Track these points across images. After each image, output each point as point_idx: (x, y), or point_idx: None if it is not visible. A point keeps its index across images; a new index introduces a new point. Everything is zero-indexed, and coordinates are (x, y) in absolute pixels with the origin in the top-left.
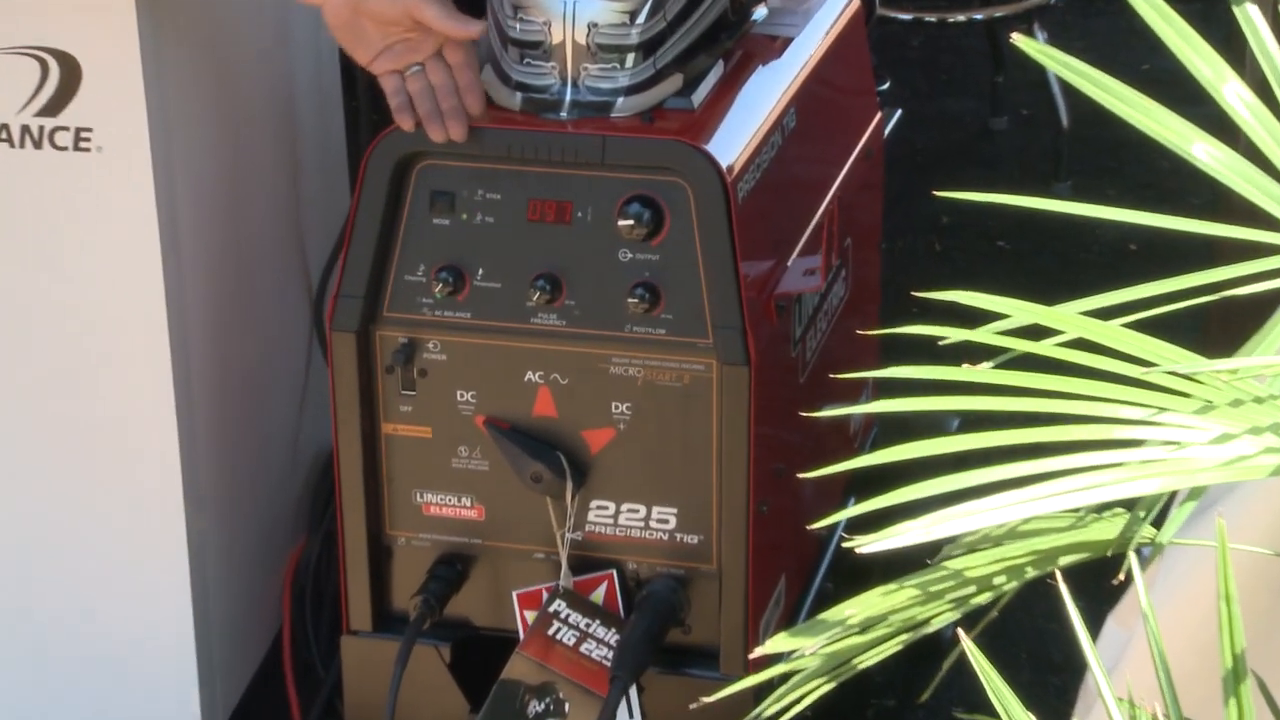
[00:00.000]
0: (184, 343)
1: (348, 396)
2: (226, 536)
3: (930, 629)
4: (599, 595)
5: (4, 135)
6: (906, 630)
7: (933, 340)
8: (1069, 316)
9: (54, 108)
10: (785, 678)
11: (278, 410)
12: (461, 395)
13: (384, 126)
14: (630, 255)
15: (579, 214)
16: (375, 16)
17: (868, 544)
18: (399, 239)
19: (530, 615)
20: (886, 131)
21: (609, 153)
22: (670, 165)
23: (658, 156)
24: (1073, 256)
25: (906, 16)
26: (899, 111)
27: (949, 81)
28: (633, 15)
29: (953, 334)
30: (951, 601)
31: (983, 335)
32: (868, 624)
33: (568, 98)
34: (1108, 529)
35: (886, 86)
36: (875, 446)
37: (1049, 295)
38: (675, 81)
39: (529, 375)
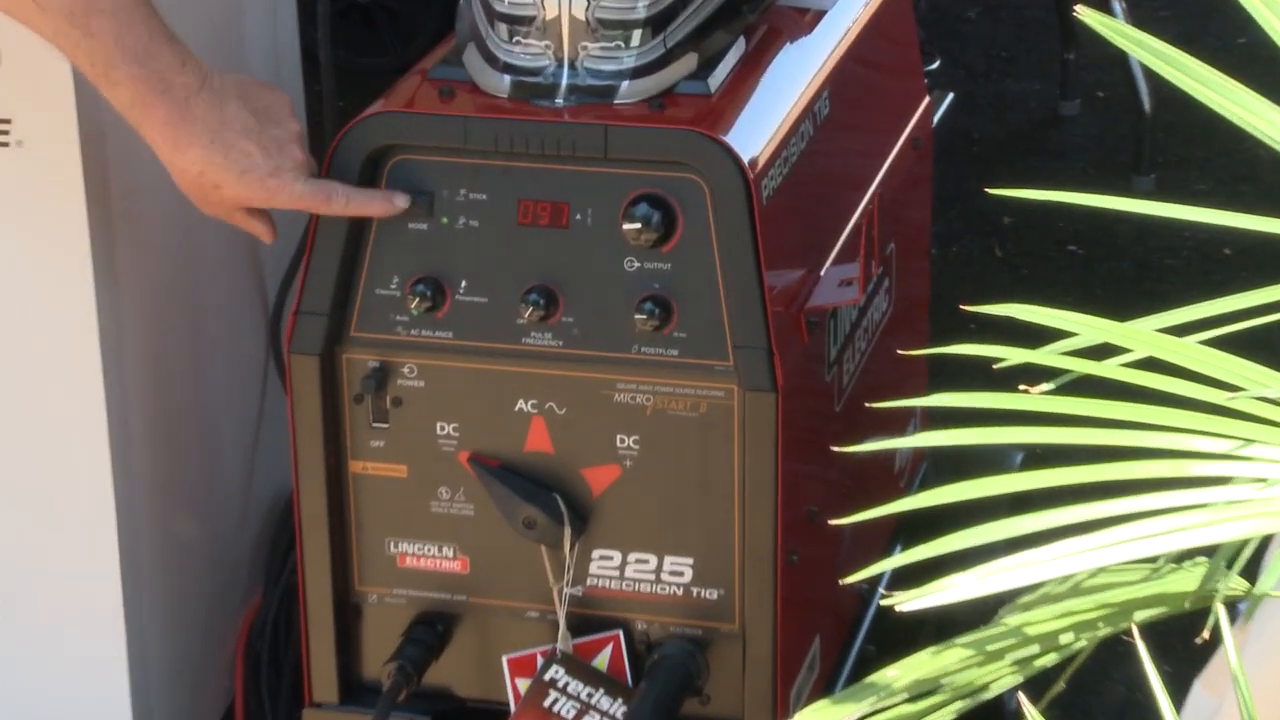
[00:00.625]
0: (119, 369)
1: (309, 430)
2: (169, 596)
3: (989, 695)
4: (603, 660)
5: None
6: (962, 697)
7: (990, 362)
8: (1143, 334)
9: None
10: None
11: (228, 447)
12: (442, 428)
13: (351, 115)
14: (637, 264)
15: (577, 216)
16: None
17: (914, 601)
18: (368, 246)
19: (523, 684)
20: (936, 118)
21: (612, 145)
22: (683, 159)
23: (669, 149)
24: (1155, 263)
25: None
26: (951, 95)
27: (1010, 59)
28: None
29: (1010, 354)
30: (1012, 664)
31: (1044, 356)
32: (916, 690)
33: (564, 81)
34: (1188, 580)
35: (936, 66)
36: (924, 485)
37: (1126, 308)
38: (689, 62)
39: (520, 404)
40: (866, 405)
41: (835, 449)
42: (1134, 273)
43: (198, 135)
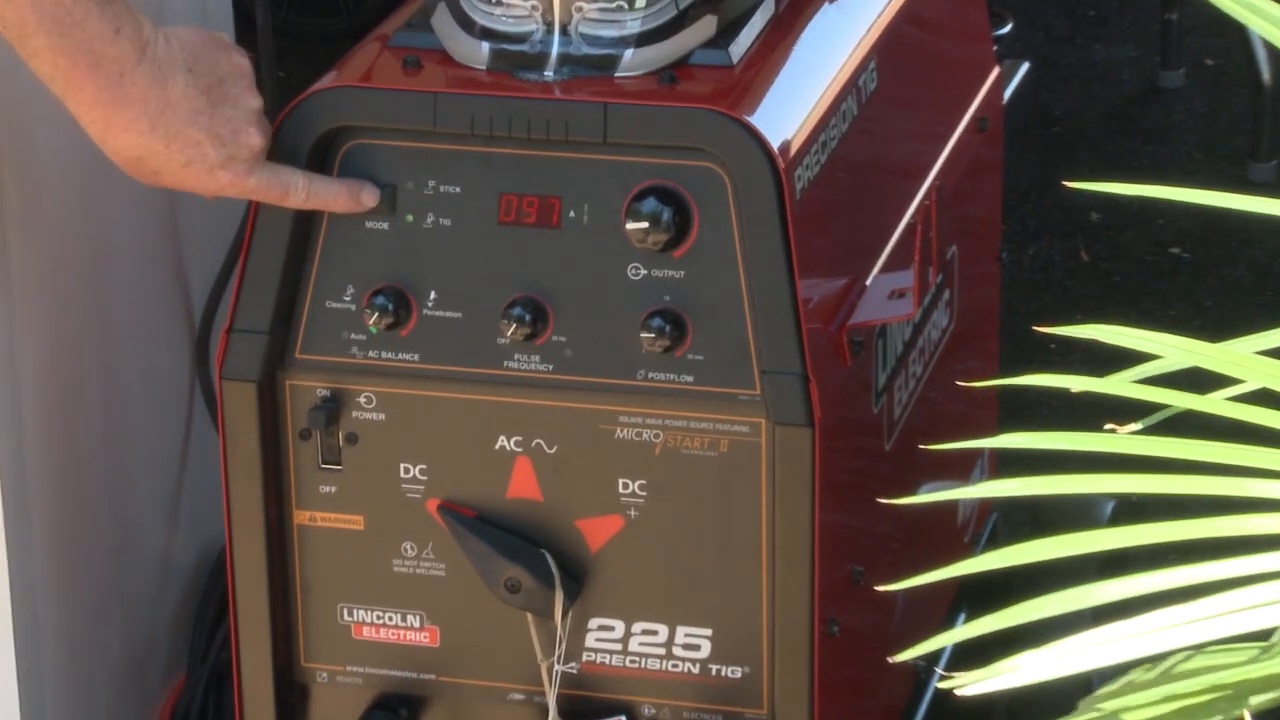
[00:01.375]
0: (12, 398)
1: (245, 473)
2: (74, 676)
3: None
4: None
5: None
6: None
7: (1074, 394)
8: (1258, 360)
9: None
10: None
11: (145, 494)
12: (407, 470)
13: (295, 89)
14: (643, 271)
15: (571, 214)
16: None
17: (979, 683)
18: (317, 249)
19: None
20: (1009, 93)
21: (613, 127)
22: (700, 144)
23: (682, 132)
24: (1277, 270)
25: None
26: (1026, 64)
27: (1099, 20)
28: None
29: (1097, 385)
30: None
31: (1137, 388)
32: None
33: (555, 50)
34: None
35: (1009, 29)
36: (993, 543)
37: (1240, 325)
38: (706, 26)
39: (502, 441)
40: (922, 446)
41: (884, 500)
42: (1251, 281)
43: (134, 120)
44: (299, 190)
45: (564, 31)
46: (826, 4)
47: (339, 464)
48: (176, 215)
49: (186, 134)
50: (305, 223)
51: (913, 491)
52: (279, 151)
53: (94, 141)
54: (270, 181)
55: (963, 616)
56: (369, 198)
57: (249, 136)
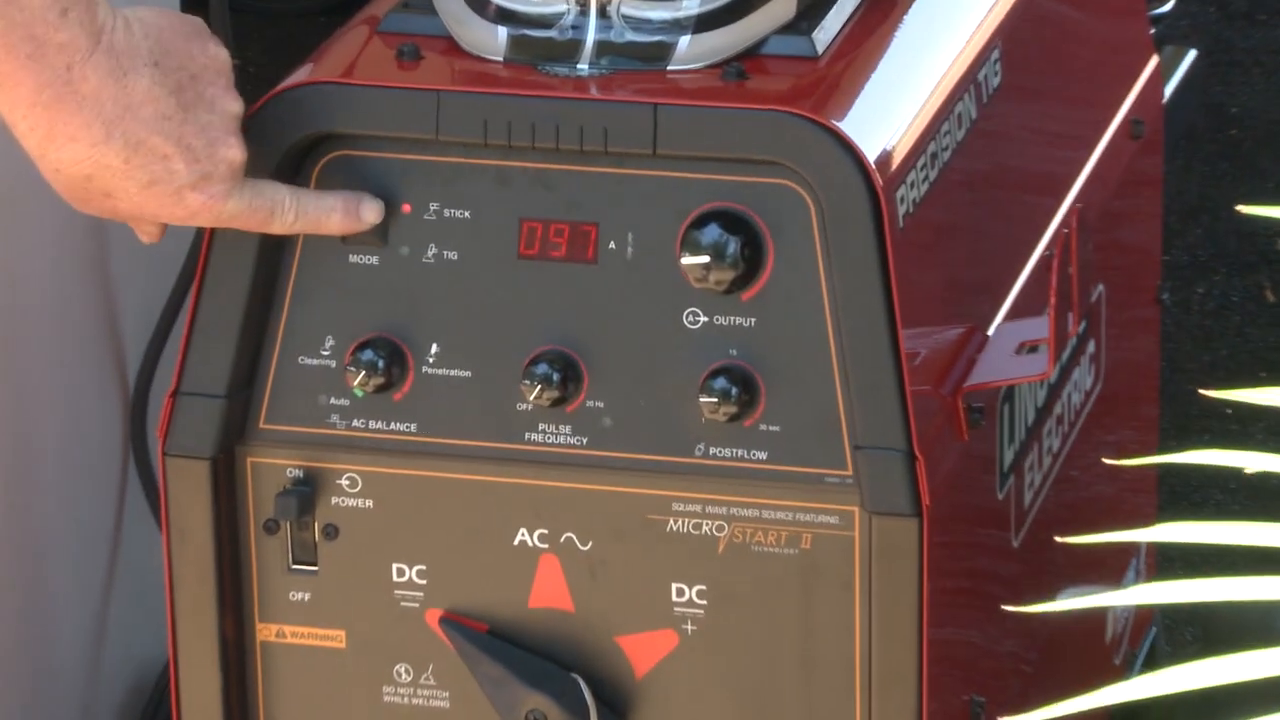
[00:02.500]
0: None
1: (194, 576)
2: None
3: None
4: None
5: None
6: None
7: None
8: None
9: None
10: None
11: (65, 602)
12: (401, 572)
13: (261, 84)
14: (703, 319)
15: (610, 244)
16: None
17: None
18: (288, 290)
19: None
20: (1170, 88)
21: (665, 134)
22: (775, 157)
23: (753, 141)
24: None
25: None
26: (1193, 52)
27: None
28: None
29: (1274, 464)
30: None
31: None
32: None
33: (591, 37)
34: None
35: (1170, 7)
36: (1152, 663)
37: None
38: (783, 6)
39: (523, 536)
40: (1059, 539)
41: (1012, 607)
42: None
43: (85, 126)
44: (286, 211)
45: (603, 13)
46: None
47: (314, 564)
48: (107, 246)
49: (151, 145)
50: (272, 255)
51: (1049, 598)
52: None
53: (29, 155)
54: (253, 204)
55: None
56: (370, 212)
57: (227, 149)
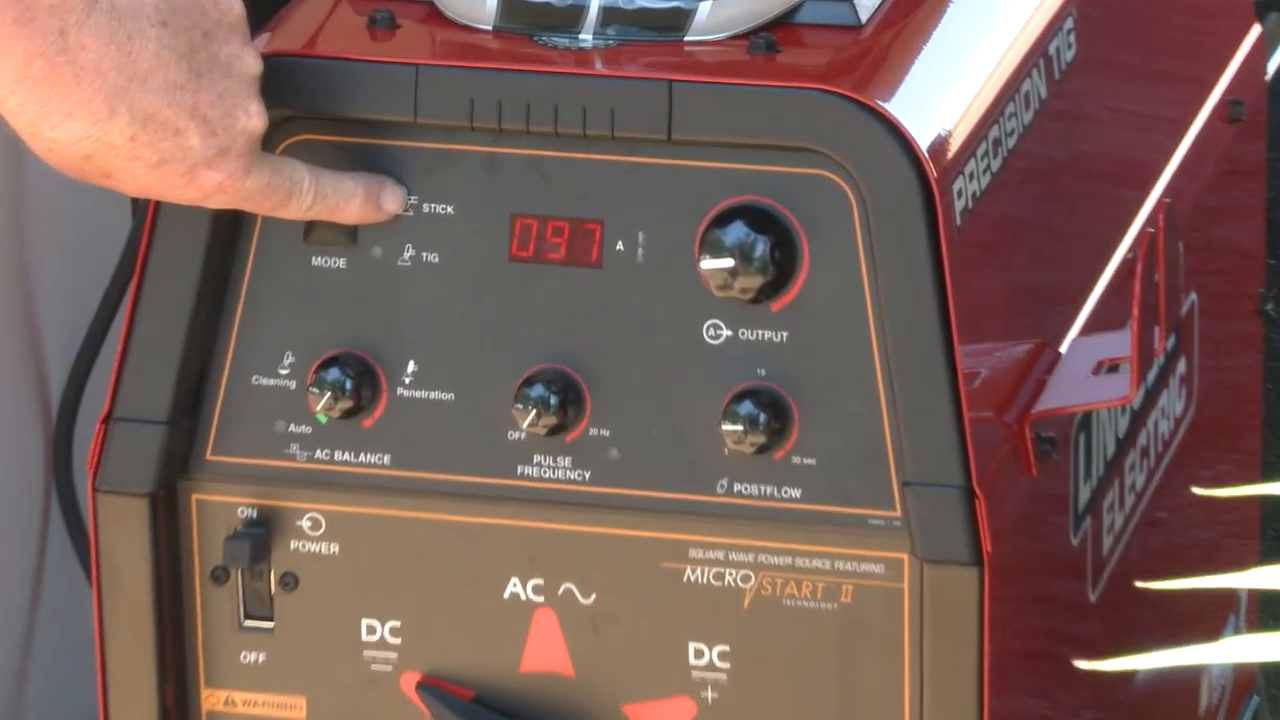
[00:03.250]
0: None
1: (130, 633)
2: None
3: None
4: None
5: None
6: None
7: None
8: None
9: None
10: None
11: None
12: (371, 630)
13: None
14: (726, 333)
15: (618, 246)
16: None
17: None
18: (240, 297)
19: None
20: (1275, 64)
21: (682, 117)
22: (811, 143)
23: (785, 125)
24: None
25: None
26: None
27: None
28: None
29: None
30: None
31: None
32: None
33: (595, 2)
34: None
35: None
36: None
37: None
38: None
39: (514, 586)
40: (1140, 585)
41: (1087, 664)
42: None
43: (86, 100)
44: (305, 193)
45: None
46: None
47: (270, 619)
48: (25, 242)
49: (162, 118)
50: (222, 255)
51: (1130, 652)
52: None
53: (18, 134)
54: (273, 182)
55: None
56: (392, 200)
57: (247, 117)
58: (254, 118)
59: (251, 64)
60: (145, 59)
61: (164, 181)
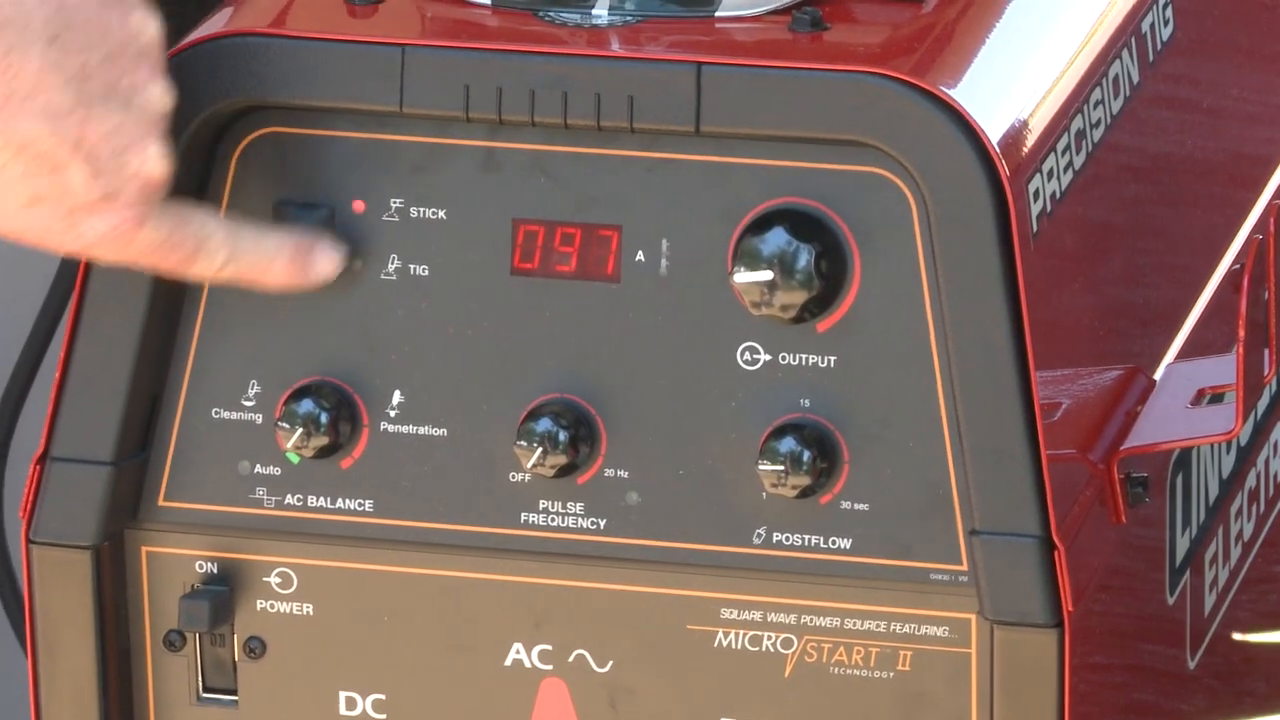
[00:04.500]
0: None
1: (71, 705)
2: None
3: None
4: None
5: None
6: None
7: None
8: None
9: None
10: None
11: None
12: (351, 703)
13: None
14: (764, 356)
15: (638, 257)
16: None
17: None
18: (197, 320)
19: None
20: None
21: (713, 106)
22: (863, 136)
23: (833, 115)
24: None
25: None
26: None
27: None
28: None
29: None
30: None
31: None
32: None
33: None
34: None
35: None
36: None
37: None
38: None
39: (517, 653)
40: (1241, 637)
41: None
42: None
43: None
44: (215, 250)
45: None
46: None
47: (233, 692)
48: None
49: (38, 149)
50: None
51: None
52: None
53: None
54: (174, 237)
55: None
56: (325, 263)
57: (142, 160)
58: (151, 161)
59: (158, 98)
60: (26, 77)
61: (37, 224)
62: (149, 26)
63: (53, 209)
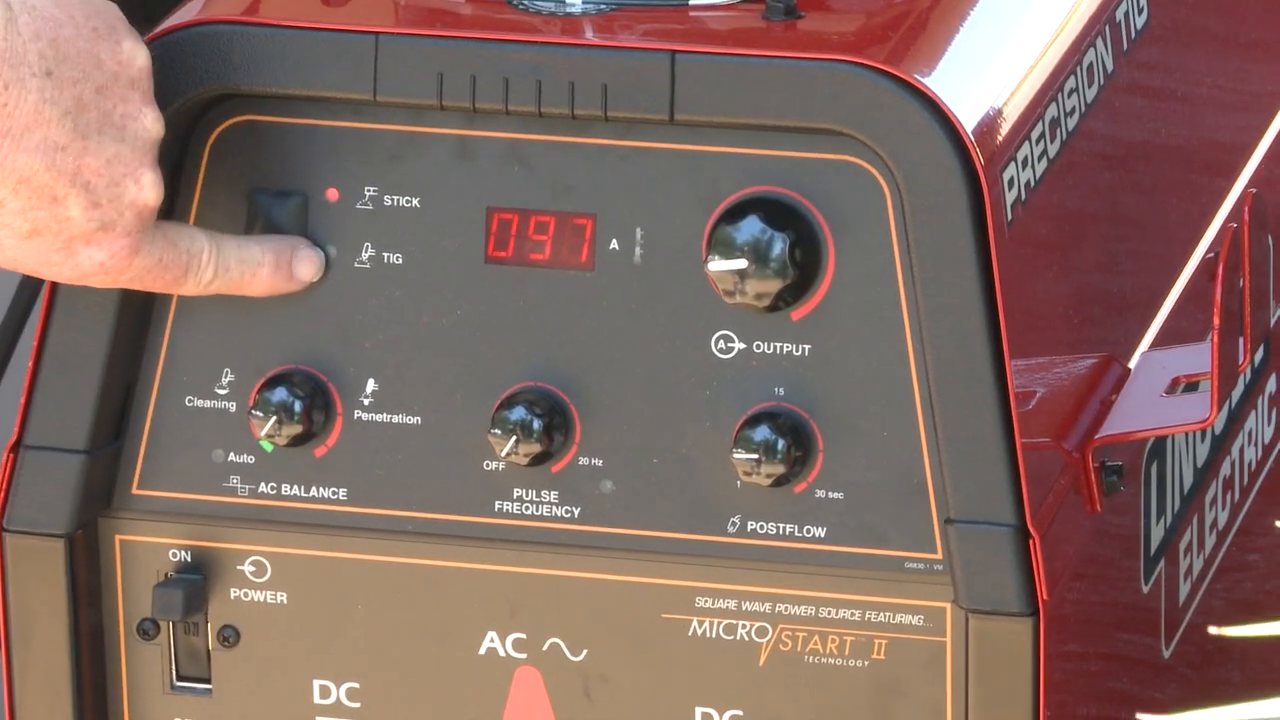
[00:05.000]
0: None
1: (44, 695)
2: None
3: None
4: None
5: None
6: None
7: None
8: None
9: None
10: None
11: None
12: (325, 692)
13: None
14: (738, 345)
15: (612, 245)
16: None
17: None
18: (170, 308)
19: None
20: None
21: (686, 94)
22: (838, 124)
23: (807, 103)
24: None
25: None
26: None
27: None
28: None
29: None
30: None
31: None
32: None
33: None
34: None
35: None
36: None
37: None
38: None
39: (491, 641)
40: (1217, 630)
41: None
42: None
43: None
44: (204, 267)
45: None
46: None
47: (206, 680)
48: None
49: (37, 183)
50: None
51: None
52: None
53: None
54: (165, 258)
55: None
56: (306, 266)
57: (138, 189)
58: (146, 189)
59: (151, 126)
60: (23, 112)
61: (35, 255)
62: (139, 55)
63: (51, 240)
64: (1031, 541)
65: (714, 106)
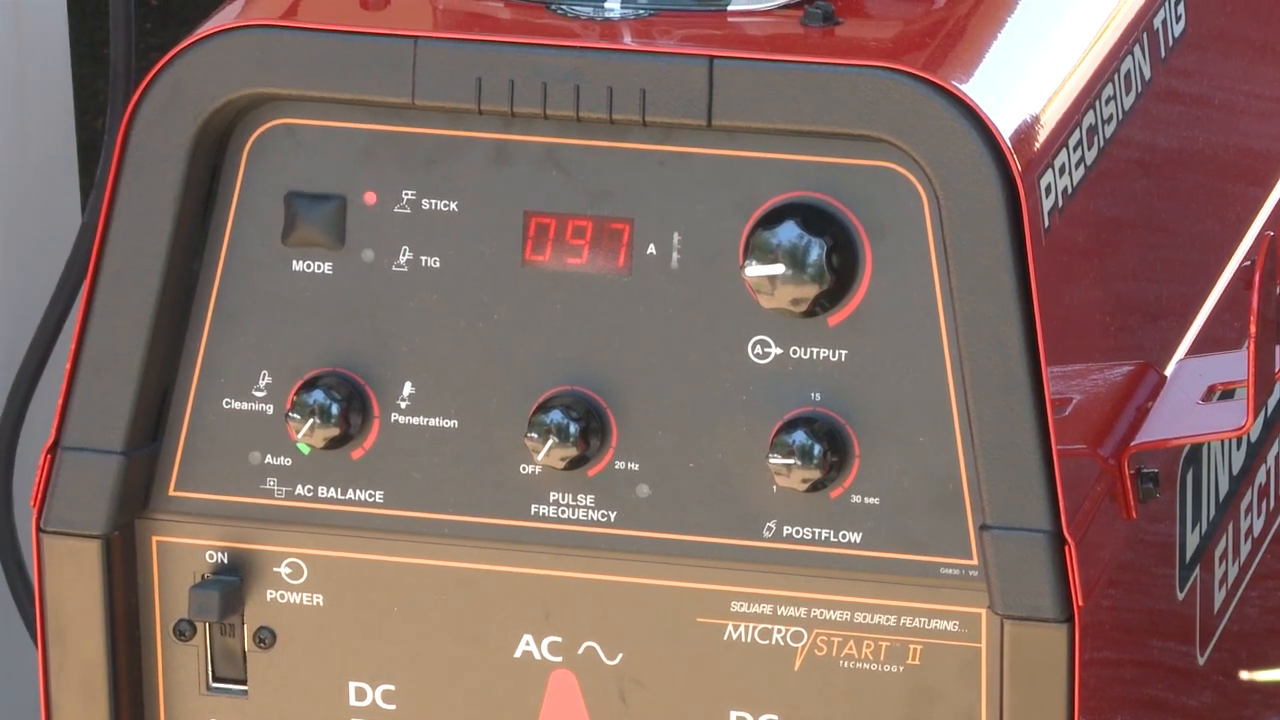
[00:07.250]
0: None
1: (81, 695)
2: None
3: None
4: None
5: None
6: None
7: None
8: None
9: None
10: None
11: None
12: (361, 693)
13: (175, 33)
14: (775, 350)
15: (650, 249)
16: None
17: None
18: (208, 309)
19: None
20: None
21: (725, 101)
22: (875, 131)
23: (844, 111)
24: None
25: None
26: None
27: None
28: None
29: None
30: None
31: None
32: None
33: None
34: None
35: None
36: None
37: None
38: None
39: (527, 645)
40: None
41: None
42: None
43: None
44: None
45: None
46: None
47: (242, 681)
48: None
49: None
50: (188, 256)
51: None
52: (140, 145)
53: None
54: None
55: None
56: None
57: None
58: None
59: None
60: None
61: None
62: None
63: None
64: (1067, 548)
65: (752, 112)
